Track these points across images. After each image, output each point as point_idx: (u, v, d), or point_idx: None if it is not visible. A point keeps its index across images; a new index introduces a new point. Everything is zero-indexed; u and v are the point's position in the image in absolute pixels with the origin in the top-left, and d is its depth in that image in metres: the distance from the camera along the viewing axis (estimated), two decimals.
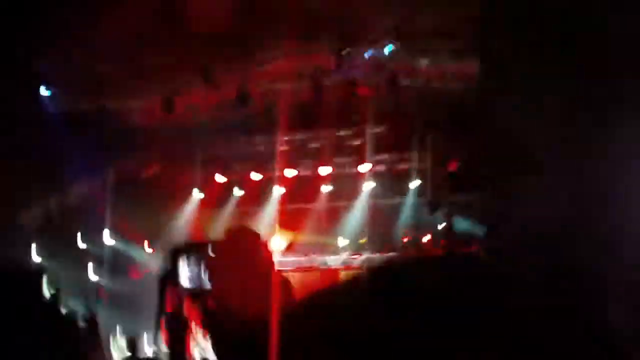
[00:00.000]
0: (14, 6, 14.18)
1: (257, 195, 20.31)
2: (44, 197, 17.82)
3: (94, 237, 20.06)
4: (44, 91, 17.27)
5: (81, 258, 19.97)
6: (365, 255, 20.34)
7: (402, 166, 19.76)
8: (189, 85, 16.87)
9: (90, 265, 20.18)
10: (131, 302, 19.34)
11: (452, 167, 18.71)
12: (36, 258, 18.96)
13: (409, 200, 19.81)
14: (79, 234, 19.83)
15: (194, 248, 14.63)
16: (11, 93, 15.36)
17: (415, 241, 19.77)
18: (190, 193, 20.58)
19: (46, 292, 17.35)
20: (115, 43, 15.36)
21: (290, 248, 20.22)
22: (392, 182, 19.85)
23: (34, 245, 18.42)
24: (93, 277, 20.19)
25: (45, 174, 17.08)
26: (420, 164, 19.38)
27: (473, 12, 14.52)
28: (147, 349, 18.50)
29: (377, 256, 20.22)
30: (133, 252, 20.39)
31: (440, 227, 19.27)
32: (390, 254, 19.91)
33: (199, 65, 16.39)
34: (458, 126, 17.13)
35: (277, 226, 19.61)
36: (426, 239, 19.79)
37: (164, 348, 18.96)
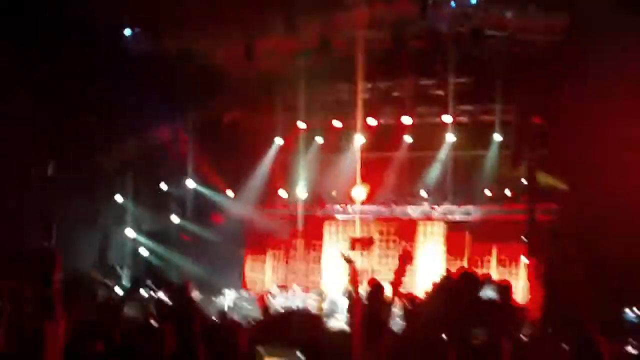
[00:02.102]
0: None
1: (338, 143, 20.26)
2: (126, 140, 18.00)
3: (176, 180, 20.31)
4: (126, 32, 17.33)
5: (163, 201, 20.28)
6: (445, 206, 20.21)
7: (485, 118, 19.36)
8: (270, 31, 16.79)
9: (172, 208, 20.51)
10: (212, 246, 19.68)
11: (537, 120, 18.39)
12: (119, 199, 19.35)
13: (492, 153, 19.47)
14: (161, 177, 20.13)
15: None
16: (94, 34, 15.53)
17: (498, 195, 19.60)
18: (271, 139, 20.62)
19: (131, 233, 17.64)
20: None
21: (370, 197, 20.22)
22: (474, 134, 19.54)
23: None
24: (175, 219, 20.49)
25: (127, 116, 17.31)
26: (504, 117, 18.99)
27: None
28: (228, 293, 18.79)
29: (456, 208, 20.12)
30: (215, 196, 20.56)
31: (523, 181, 19.06)
32: (470, 206, 19.84)
33: (281, 11, 16.34)
34: (545, 80, 16.84)
35: (358, 175, 19.58)
36: (508, 192, 19.56)
37: (245, 293, 19.32)
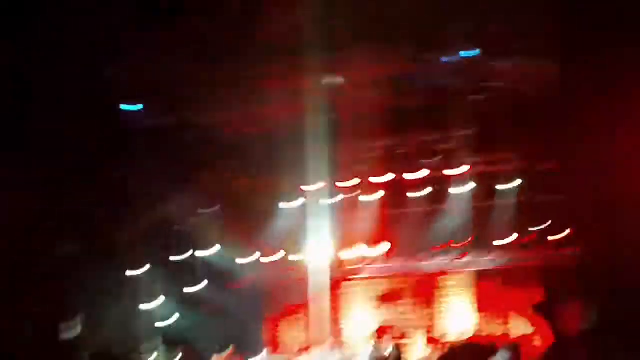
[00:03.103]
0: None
1: (350, 203, 20.27)
2: (137, 214, 18.21)
3: (189, 249, 20.43)
4: (124, 107, 17.55)
5: (178, 270, 20.41)
6: (470, 258, 20.12)
7: (495, 167, 19.32)
8: (270, 97, 16.96)
9: (187, 276, 20.62)
10: (232, 311, 19.71)
11: (547, 166, 18.35)
12: (139, 273, 19.52)
13: (507, 201, 19.37)
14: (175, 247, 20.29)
15: None
16: (91, 109, 15.78)
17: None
18: (277, 203, 20.63)
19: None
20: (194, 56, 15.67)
21: (389, 255, 20.24)
22: (485, 183, 19.47)
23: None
24: (191, 288, 20.60)
25: (134, 189, 17.51)
26: (514, 165, 18.96)
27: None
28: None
29: (482, 259, 20.01)
30: (230, 262, 20.65)
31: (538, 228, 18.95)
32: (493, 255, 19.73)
33: (280, 77, 16.49)
34: (546, 125, 16.78)
35: (375, 233, 19.66)
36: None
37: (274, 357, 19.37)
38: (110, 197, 17.35)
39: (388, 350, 17.07)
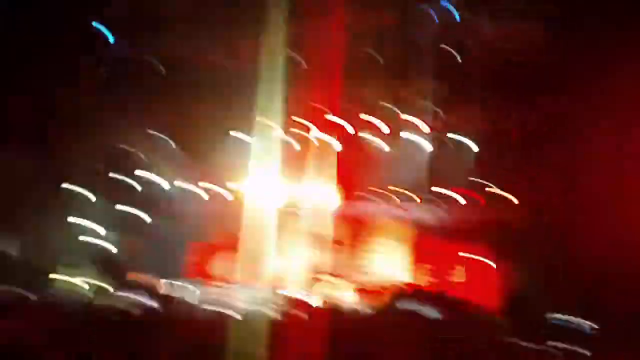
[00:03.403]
0: None
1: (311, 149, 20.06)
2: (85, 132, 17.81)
3: (132, 169, 20.02)
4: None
5: (116, 189, 19.99)
6: (414, 207, 20.15)
7: (459, 124, 19.29)
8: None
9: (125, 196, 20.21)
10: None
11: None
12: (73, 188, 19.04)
13: (464, 158, 19.41)
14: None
15: None
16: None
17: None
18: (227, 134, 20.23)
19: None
20: None
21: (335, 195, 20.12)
22: (447, 139, 19.47)
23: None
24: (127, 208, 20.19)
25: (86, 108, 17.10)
26: (477, 124, 18.98)
27: None
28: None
29: (425, 209, 20.06)
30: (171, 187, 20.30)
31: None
32: (439, 208, 19.80)
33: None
34: (522, 89, 16.85)
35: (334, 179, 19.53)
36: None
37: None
38: (61, 111, 16.89)
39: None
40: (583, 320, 16.91)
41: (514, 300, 17.86)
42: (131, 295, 15.64)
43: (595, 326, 15.76)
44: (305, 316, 15.77)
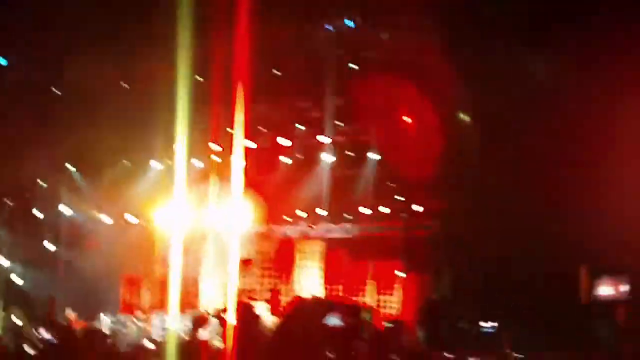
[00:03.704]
0: None
1: (217, 168, 20.16)
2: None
3: (49, 207, 19.90)
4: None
5: (37, 228, 19.83)
6: (323, 225, 20.47)
7: (362, 138, 19.66)
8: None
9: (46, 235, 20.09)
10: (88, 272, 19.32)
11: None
12: None
13: (368, 172, 19.78)
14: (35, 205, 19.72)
15: None
16: None
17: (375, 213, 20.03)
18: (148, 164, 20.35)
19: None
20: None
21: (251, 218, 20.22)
22: (351, 154, 19.83)
23: None
24: (50, 246, 20.06)
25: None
26: (379, 137, 19.33)
27: None
28: (103, 318, 18.47)
29: (335, 227, 20.39)
30: (90, 222, 20.23)
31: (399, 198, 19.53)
32: (347, 224, 20.16)
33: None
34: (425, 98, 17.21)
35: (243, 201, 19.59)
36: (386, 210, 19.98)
37: (123, 317, 19.01)
38: None
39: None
40: (496, 325, 17.33)
41: (428, 309, 18.08)
42: (41, 330, 15.41)
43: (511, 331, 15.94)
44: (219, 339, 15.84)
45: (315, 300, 17.35)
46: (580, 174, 15.52)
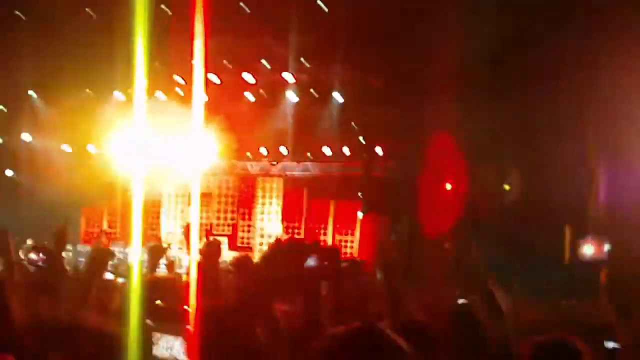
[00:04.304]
0: None
1: (180, 99, 20.13)
2: None
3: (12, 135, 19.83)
4: None
5: None
6: (284, 163, 20.58)
7: (327, 77, 19.63)
8: None
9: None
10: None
11: (374, 81, 18.97)
12: None
13: (332, 112, 19.82)
14: None
15: None
16: None
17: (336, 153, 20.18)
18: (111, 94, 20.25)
19: None
20: None
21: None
22: (315, 92, 19.85)
23: None
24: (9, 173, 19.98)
25: None
26: (344, 76, 19.31)
27: None
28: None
29: (295, 164, 20.50)
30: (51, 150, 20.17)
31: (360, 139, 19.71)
32: (308, 163, 20.29)
33: None
34: (385, 41, 17.18)
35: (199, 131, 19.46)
36: (346, 150, 20.12)
37: (82, 248, 19.01)
38: None
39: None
40: None
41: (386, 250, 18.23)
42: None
43: None
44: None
45: (295, 243, 17.53)
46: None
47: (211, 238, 17.32)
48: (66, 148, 20.78)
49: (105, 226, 20.77)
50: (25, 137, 20.20)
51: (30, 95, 20.01)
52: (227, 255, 16.87)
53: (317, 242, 16.11)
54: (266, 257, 8.66)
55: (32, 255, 15.10)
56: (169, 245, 16.98)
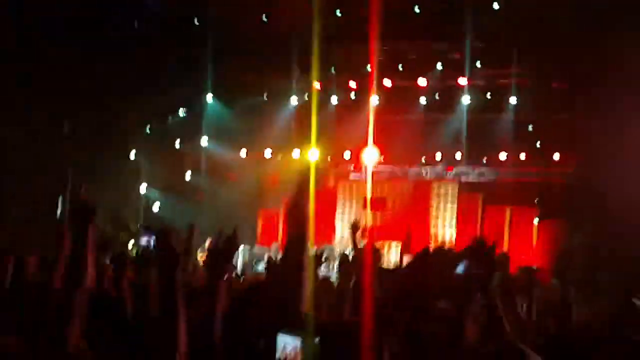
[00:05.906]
0: None
1: (353, 104, 20.24)
2: (142, 99, 18.04)
3: (191, 140, 20.39)
4: None
5: (178, 159, 20.37)
6: (459, 168, 20.33)
7: (502, 81, 19.27)
8: None
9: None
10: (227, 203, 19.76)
11: (555, 85, 18.49)
12: (133, 156, 19.46)
13: (508, 116, 19.44)
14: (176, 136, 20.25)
15: None
16: None
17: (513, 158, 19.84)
18: (287, 99, 20.58)
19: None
20: None
21: (384, 159, 20.27)
22: (491, 97, 19.53)
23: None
24: (189, 177, 20.60)
25: (145, 76, 17.30)
26: (521, 81, 18.91)
27: None
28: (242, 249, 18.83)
29: (470, 170, 20.20)
30: (229, 155, 20.68)
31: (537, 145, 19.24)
32: (484, 168, 19.95)
33: None
34: (565, 45, 16.69)
35: (371, 137, 19.59)
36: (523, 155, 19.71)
37: (259, 249, 19.35)
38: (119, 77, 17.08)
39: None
40: None
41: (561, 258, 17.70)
42: None
43: None
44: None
45: (441, 252, 17.28)
46: None
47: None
48: (243, 152, 21.25)
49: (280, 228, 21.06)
50: (204, 141, 20.80)
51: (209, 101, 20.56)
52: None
53: (476, 249, 15.73)
54: (411, 266, 8.44)
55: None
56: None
